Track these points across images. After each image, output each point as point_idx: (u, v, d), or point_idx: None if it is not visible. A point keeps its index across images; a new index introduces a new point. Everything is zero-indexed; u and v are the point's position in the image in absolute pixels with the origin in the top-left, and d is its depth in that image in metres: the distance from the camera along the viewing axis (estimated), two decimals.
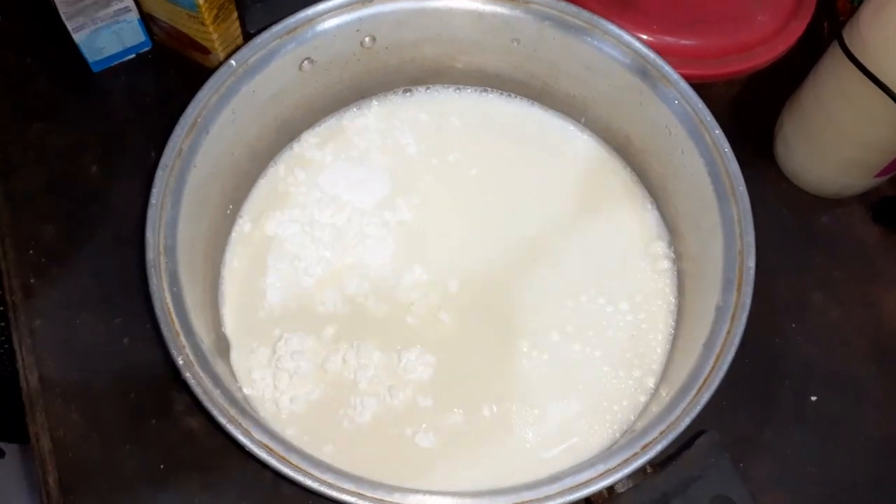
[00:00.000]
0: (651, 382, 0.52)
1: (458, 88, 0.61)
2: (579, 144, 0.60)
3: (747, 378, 0.57)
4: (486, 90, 0.61)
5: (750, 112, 0.66)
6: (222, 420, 0.42)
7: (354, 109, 0.61)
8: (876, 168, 0.59)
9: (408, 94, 0.62)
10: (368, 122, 0.61)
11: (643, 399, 0.51)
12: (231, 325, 0.54)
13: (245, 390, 0.52)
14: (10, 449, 1.14)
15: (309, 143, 0.60)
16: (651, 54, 0.51)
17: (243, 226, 0.57)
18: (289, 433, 0.50)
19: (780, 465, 0.55)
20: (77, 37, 0.63)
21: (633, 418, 0.50)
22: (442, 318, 0.54)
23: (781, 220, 0.63)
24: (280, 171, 0.59)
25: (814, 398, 0.57)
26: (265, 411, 0.51)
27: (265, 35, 0.52)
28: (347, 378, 0.52)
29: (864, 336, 0.59)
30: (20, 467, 1.22)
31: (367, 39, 0.55)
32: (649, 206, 0.57)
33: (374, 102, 0.61)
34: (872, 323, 0.60)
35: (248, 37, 0.56)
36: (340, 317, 0.54)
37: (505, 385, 0.52)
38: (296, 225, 0.57)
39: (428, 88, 0.61)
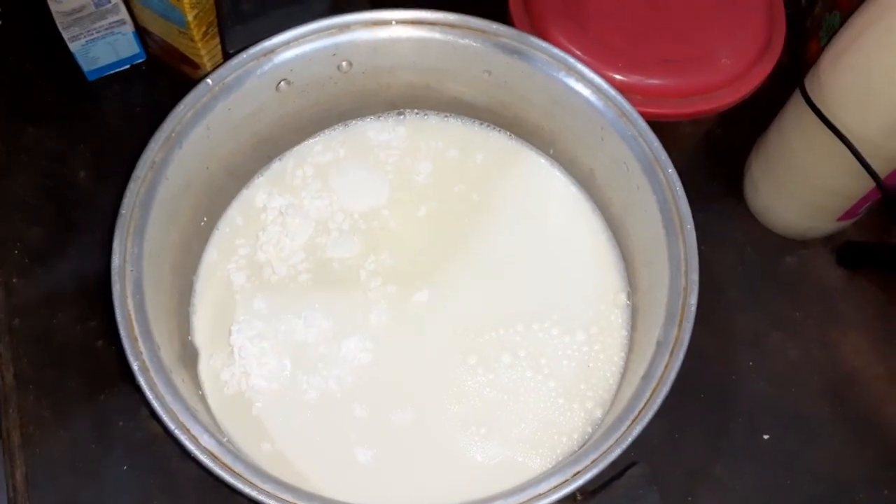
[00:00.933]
0: (599, 413, 0.53)
1: (439, 114, 0.63)
2: (548, 176, 0.61)
3: (701, 412, 0.58)
4: (465, 119, 0.63)
5: (721, 150, 0.67)
6: (171, 425, 0.43)
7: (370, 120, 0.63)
8: (838, 212, 0.60)
9: (401, 116, 0.63)
10: (389, 137, 0.63)
11: (590, 430, 0.52)
12: (200, 333, 0.56)
13: (212, 399, 0.53)
14: None
15: (322, 146, 0.62)
16: (612, 91, 0.53)
17: (222, 232, 0.59)
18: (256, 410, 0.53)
19: (727, 499, 0.56)
20: (73, 46, 0.65)
21: (577, 448, 0.51)
22: (394, 319, 0.56)
23: (746, 258, 0.64)
24: (289, 165, 0.62)
25: (766, 436, 0.58)
26: (244, 403, 0.53)
27: (242, 56, 0.54)
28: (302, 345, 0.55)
29: (819, 377, 0.60)
30: None
31: (343, 64, 0.57)
32: (610, 240, 0.58)
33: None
34: (829, 365, 0.60)
35: (227, 56, 0.58)
36: (291, 288, 0.57)
37: (451, 400, 0.53)
38: (282, 199, 0.59)
39: (406, 114, 0.63)
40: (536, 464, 0.51)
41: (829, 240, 0.64)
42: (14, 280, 0.61)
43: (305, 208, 0.59)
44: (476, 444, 0.52)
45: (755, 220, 0.65)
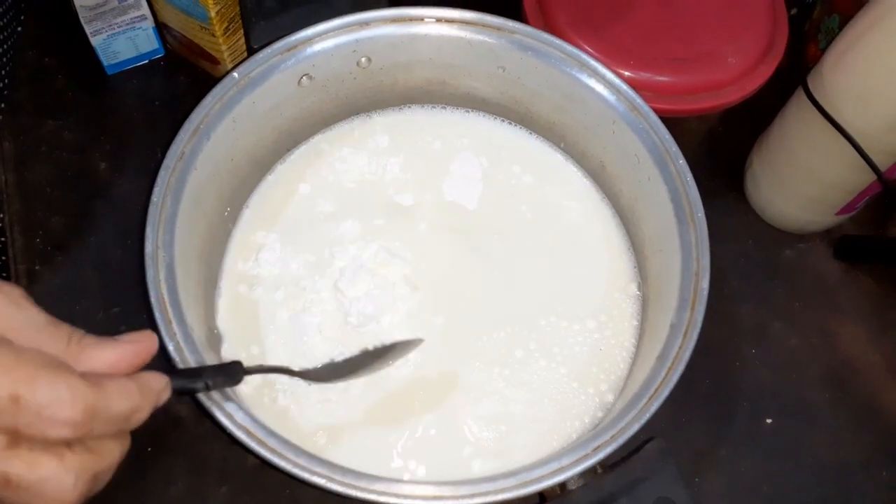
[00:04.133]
0: (611, 398, 0.55)
1: (454, 108, 0.65)
2: (559, 169, 0.63)
3: (706, 397, 0.60)
4: (478, 113, 0.65)
5: (723, 147, 0.70)
6: (207, 403, 0.45)
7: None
8: (837, 206, 0.62)
9: (410, 109, 0.65)
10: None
11: (601, 415, 0.54)
12: (223, 318, 0.57)
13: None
14: None
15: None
16: (624, 87, 0.55)
17: (246, 220, 0.61)
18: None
19: (732, 481, 0.58)
20: (94, 40, 0.66)
21: (588, 431, 0.53)
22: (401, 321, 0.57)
23: (747, 251, 0.66)
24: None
25: (769, 420, 0.60)
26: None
27: (267, 51, 0.55)
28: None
29: (819, 365, 0.62)
30: None
31: (363, 60, 0.59)
32: (619, 230, 0.61)
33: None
34: (828, 353, 0.63)
35: (251, 51, 0.60)
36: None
37: (459, 392, 0.55)
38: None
39: (420, 108, 0.65)
40: (549, 446, 0.53)
41: (826, 234, 0.67)
42: (37, 268, 0.62)
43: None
44: (487, 431, 0.54)
45: (755, 215, 0.67)
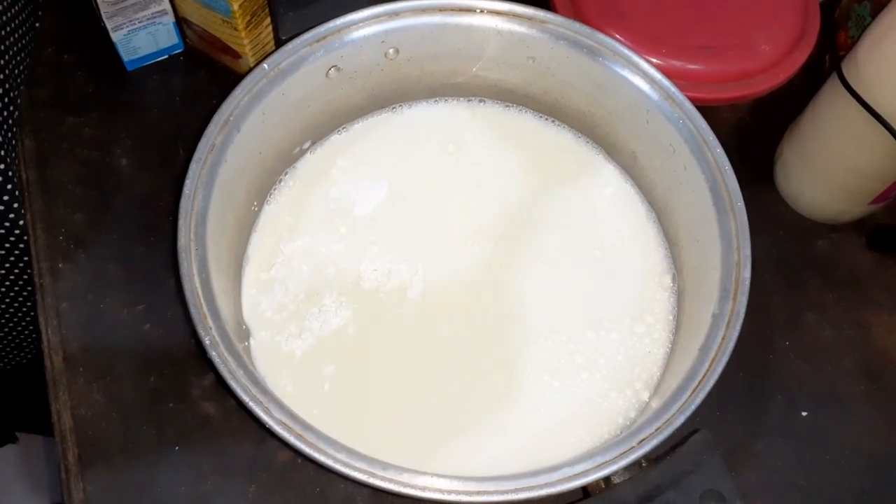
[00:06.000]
0: (646, 396, 0.54)
1: (481, 100, 0.64)
2: (588, 160, 0.62)
3: (741, 391, 0.59)
4: (506, 105, 0.64)
5: (753, 137, 0.69)
6: (244, 397, 0.44)
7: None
8: (870, 196, 0.61)
9: (437, 102, 0.65)
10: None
11: (633, 415, 0.53)
12: (250, 312, 0.56)
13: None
14: (23, 438, 1.17)
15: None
16: (658, 76, 0.55)
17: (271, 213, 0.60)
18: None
19: (768, 474, 0.57)
20: (115, 36, 0.66)
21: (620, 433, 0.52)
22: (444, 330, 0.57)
23: (779, 242, 0.65)
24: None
25: (804, 413, 0.59)
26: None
27: (296, 42, 0.55)
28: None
29: (853, 356, 0.61)
30: (23, 456, 1.25)
31: (391, 51, 0.58)
32: (652, 221, 0.60)
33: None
34: (862, 344, 0.62)
35: (279, 43, 0.59)
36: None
37: (506, 398, 0.54)
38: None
39: (447, 100, 0.64)
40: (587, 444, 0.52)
41: (859, 224, 0.66)
42: (60, 265, 0.61)
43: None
44: (528, 423, 0.53)
45: (786, 206, 0.66)
